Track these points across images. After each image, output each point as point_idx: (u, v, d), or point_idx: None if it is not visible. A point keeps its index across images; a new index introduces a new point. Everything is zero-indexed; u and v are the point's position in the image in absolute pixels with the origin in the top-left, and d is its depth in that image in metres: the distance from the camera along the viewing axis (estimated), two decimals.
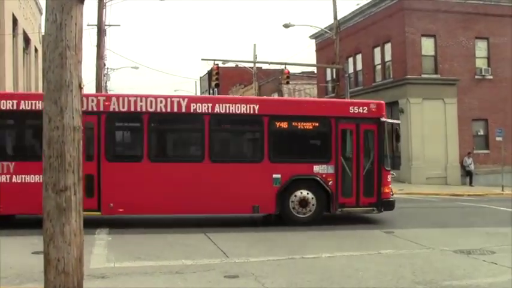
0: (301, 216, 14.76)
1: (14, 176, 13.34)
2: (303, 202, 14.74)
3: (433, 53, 33.74)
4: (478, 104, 33.99)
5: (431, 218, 18.02)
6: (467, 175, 33.03)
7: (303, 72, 56.28)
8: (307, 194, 14.75)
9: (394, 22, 34.15)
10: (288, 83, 34.48)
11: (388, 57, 35.50)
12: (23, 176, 13.29)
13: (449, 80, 33.33)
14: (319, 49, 45.37)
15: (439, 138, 32.56)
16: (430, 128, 32.31)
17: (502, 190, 28.09)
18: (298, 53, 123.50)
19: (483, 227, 15.25)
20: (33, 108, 13.45)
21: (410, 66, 32.89)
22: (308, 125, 15.19)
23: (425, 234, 13.56)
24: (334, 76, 37.06)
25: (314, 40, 46.14)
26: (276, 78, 53.05)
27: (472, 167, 32.96)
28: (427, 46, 33.69)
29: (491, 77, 34.49)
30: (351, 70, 38.83)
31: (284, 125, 15.02)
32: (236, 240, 12.30)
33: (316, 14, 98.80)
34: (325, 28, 38.09)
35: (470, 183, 32.62)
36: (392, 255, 10.77)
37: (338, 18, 34.76)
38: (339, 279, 8.80)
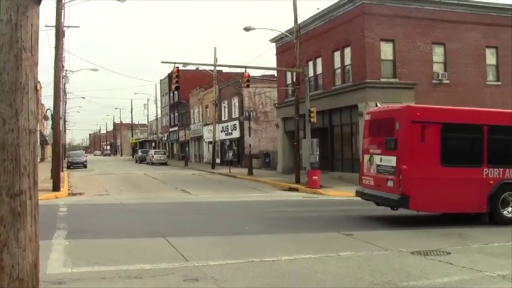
0: None
1: None
2: None
3: (391, 58, 34.18)
4: None
5: (390, 219, 18.21)
6: None
7: (263, 76, 56.51)
8: None
9: (353, 27, 34.50)
10: (248, 86, 34.55)
11: (347, 61, 35.84)
12: None
13: (407, 84, 33.81)
14: (280, 52, 45.57)
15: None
16: None
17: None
18: (259, 57, 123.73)
19: (439, 227, 15.53)
20: None
21: (370, 70, 33.27)
22: None
23: (383, 236, 13.74)
24: (295, 79, 37.28)
25: (274, 44, 46.29)
26: (237, 81, 53.20)
27: None
28: (386, 51, 34.12)
29: (447, 82, 35.12)
30: (311, 74, 39.11)
31: None
32: (196, 244, 12.27)
33: (277, 17, 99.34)
34: (285, 32, 38.31)
35: None
36: (351, 257, 10.86)
37: (298, 22, 35.02)
38: (298, 282, 8.85)
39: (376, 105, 19.63)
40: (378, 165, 16.90)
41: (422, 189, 15.44)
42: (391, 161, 16.11)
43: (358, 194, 18.60)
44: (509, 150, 17.11)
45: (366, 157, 17.80)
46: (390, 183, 16.00)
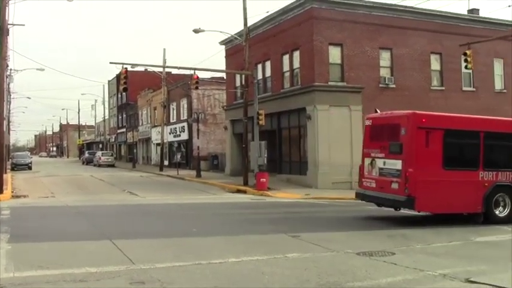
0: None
1: None
2: None
3: (339, 62, 34.58)
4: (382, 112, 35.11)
5: (336, 221, 18.49)
6: None
7: (212, 78, 56.43)
8: None
9: (302, 30, 34.80)
10: (197, 88, 34.45)
11: (296, 65, 36.11)
12: None
13: (355, 87, 34.29)
14: (229, 55, 45.60)
15: (345, 144, 33.38)
16: (336, 134, 33.10)
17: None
18: (208, 59, 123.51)
19: (384, 229, 15.84)
20: None
21: (318, 73, 33.59)
22: None
23: (330, 237, 13.88)
24: (243, 82, 37.32)
25: (224, 46, 46.31)
26: (185, 83, 52.95)
27: None
28: (334, 54, 34.51)
29: (394, 86, 35.78)
30: (260, 76, 39.28)
31: None
32: (143, 246, 12.14)
33: (226, 20, 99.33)
34: (235, 34, 38.34)
35: None
36: (298, 258, 10.94)
37: (248, 25, 35.11)
38: (245, 284, 8.87)
39: (376, 111, 20.32)
40: (381, 168, 17.80)
41: (426, 191, 16.43)
42: (395, 164, 17.01)
43: (358, 195, 19.44)
44: (502, 154, 18.33)
45: (367, 160, 18.66)
46: (395, 185, 16.90)
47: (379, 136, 18.26)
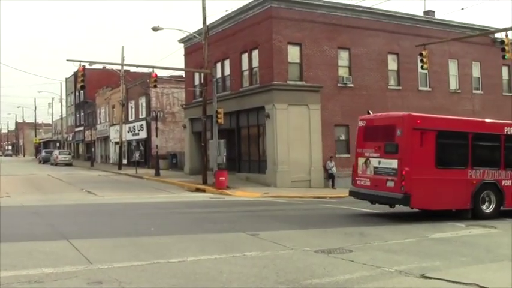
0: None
1: None
2: None
3: (298, 61, 34.78)
4: (340, 111, 35.56)
5: (295, 219, 18.62)
6: (330, 178, 34.42)
7: (171, 76, 56.13)
8: None
9: (261, 29, 34.87)
10: (155, 86, 34.18)
11: (255, 64, 36.18)
12: None
13: (313, 87, 34.55)
14: (188, 53, 45.42)
15: (304, 143, 33.67)
16: (295, 133, 33.32)
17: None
18: (167, 57, 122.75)
19: (343, 227, 16.00)
20: None
21: (277, 72, 33.73)
22: None
23: (289, 236, 13.97)
24: (202, 80, 37.25)
25: (183, 44, 46.09)
26: (144, 81, 52.61)
27: (334, 170, 34.39)
28: (293, 54, 34.69)
29: (352, 85, 36.17)
30: (219, 75, 39.22)
31: None
32: (101, 246, 12.01)
33: (186, 18, 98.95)
34: (194, 33, 38.25)
35: (333, 186, 34.00)
36: (256, 257, 10.98)
37: (207, 23, 35.03)
38: (204, 283, 8.85)
39: (368, 113, 20.96)
40: (376, 168, 18.64)
41: (421, 189, 17.38)
42: (391, 163, 17.88)
43: (352, 194, 20.18)
44: (488, 154, 19.57)
45: (361, 160, 19.46)
46: (390, 184, 17.77)
47: (374, 136, 19.05)
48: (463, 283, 8.83)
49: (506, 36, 23.97)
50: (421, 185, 17.33)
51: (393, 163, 17.75)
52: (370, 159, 18.87)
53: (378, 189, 18.36)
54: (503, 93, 44.88)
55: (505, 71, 44.82)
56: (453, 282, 8.93)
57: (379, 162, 18.43)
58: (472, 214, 18.36)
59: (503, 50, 24.02)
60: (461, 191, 18.20)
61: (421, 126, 17.84)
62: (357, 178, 19.65)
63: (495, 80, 43.93)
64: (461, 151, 18.69)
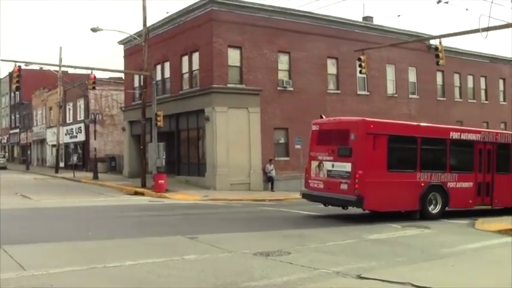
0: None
1: None
2: None
3: (239, 64, 34.85)
4: (279, 114, 35.82)
5: (234, 222, 18.66)
6: (269, 181, 34.62)
7: (110, 78, 55.37)
8: None
9: (202, 32, 34.77)
10: (94, 88, 33.72)
11: (195, 66, 36.05)
12: None
13: (253, 90, 34.67)
14: (128, 55, 44.84)
15: (243, 146, 33.74)
16: (234, 136, 33.35)
17: (300, 195, 29.67)
18: (106, 58, 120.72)
19: (282, 229, 16.12)
20: None
21: (217, 75, 33.70)
22: None
23: (228, 239, 13.95)
24: (142, 83, 36.87)
25: (123, 46, 45.51)
26: (83, 83, 51.69)
27: (273, 173, 34.61)
28: (234, 57, 34.73)
29: (291, 89, 36.50)
30: (159, 77, 38.85)
31: None
32: (35, 251, 11.71)
33: (126, 19, 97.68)
34: (134, 34, 37.79)
35: (272, 189, 34.23)
36: (195, 260, 10.92)
37: (147, 25, 34.65)
38: (141, 287, 8.76)
39: (321, 117, 21.33)
40: (329, 171, 19.02)
41: (373, 192, 17.90)
42: (345, 166, 18.28)
43: (305, 196, 20.68)
44: (435, 157, 20.29)
45: (314, 163, 19.77)
46: (344, 186, 18.19)
47: (327, 140, 19.43)
48: (398, 282, 9.03)
49: (440, 43, 24.63)
50: (374, 187, 17.82)
51: (347, 166, 18.18)
52: (324, 162, 19.22)
53: (332, 192, 18.71)
54: (438, 98, 46.29)
55: (439, 76, 46.26)
56: (388, 281, 9.12)
57: (333, 166, 18.83)
58: (420, 215, 19.00)
59: (438, 56, 24.67)
60: (411, 193, 18.80)
61: (374, 130, 18.37)
62: (310, 181, 19.98)
63: (430, 85, 45.25)
64: (410, 155, 19.31)
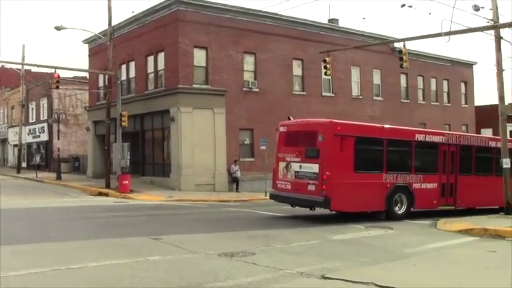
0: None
1: None
2: None
3: (204, 64, 34.82)
4: (245, 115, 35.87)
5: (199, 223, 18.60)
6: (234, 182, 34.64)
7: (75, 77, 54.73)
8: None
9: (168, 32, 34.64)
10: (58, 87, 33.09)
11: (161, 66, 35.91)
12: None
13: (218, 90, 34.66)
14: (93, 54, 44.43)
15: (208, 147, 33.71)
16: (200, 137, 33.31)
17: (265, 195, 29.77)
18: (71, 57, 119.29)
19: (246, 230, 16.16)
20: None
21: (182, 76, 33.60)
22: None
23: (192, 240, 13.93)
24: (107, 82, 36.53)
25: (88, 45, 45.07)
26: (46, 81, 50.93)
27: (238, 174, 34.63)
28: (199, 57, 34.69)
29: (257, 90, 36.58)
30: (124, 77, 38.56)
31: None
32: None
33: (91, 18, 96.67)
34: (99, 33, 37.42)
35: (237, 189, 34.25)
36: (159, 261, 10.87)
37: (113, 24, 34.37)
38: None
39: (289, 119, 21.62)
40: (297, 172, 19.19)
41: (340, 192, 18.13)
42: (312, 168, 18.47)
43: (273, 197, 20.67)
44: (401, 158, 20.73)
45: (282, 164, 19.95)
46: (311, 187, 18.37)
47: (295, 142, 19.57)
48: (362, 282, 9.12)
49: (404, 46, 24.92)
50: (341, 188, 18.03)
51: (314, 167, 18.37)
52: (291, 163, 19.38)
53: (299, 193, 18.86)
54: (402, 100, 46.91)
55: (403, 79, 46.90)
56: (352, 282, 9.21)
57: (300, 167, 19.00)
58: (386, 215, 19.32)
59: (401, 59, 24.96)
60: (377, 194, 19.12)
61: (341, 132, 18.59)
62: (277, 182, 20.08)
63: (394, 87, 45.84)
64: (377, 156, 19.66)
